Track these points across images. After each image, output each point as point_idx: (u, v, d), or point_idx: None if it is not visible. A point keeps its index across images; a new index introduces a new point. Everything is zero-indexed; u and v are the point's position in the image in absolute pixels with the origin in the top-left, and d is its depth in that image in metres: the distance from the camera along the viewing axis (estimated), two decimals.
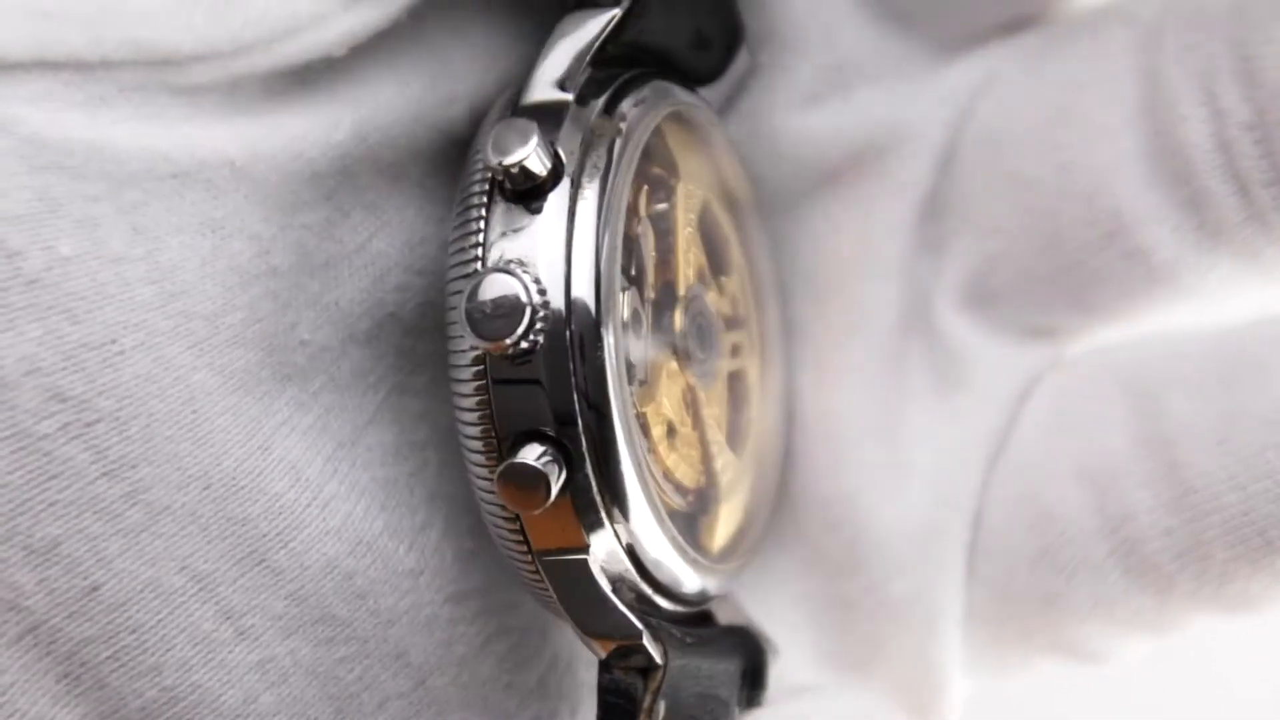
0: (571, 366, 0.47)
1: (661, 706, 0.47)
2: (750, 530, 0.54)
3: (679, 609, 0.50)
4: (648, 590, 0.48)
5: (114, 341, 0.47)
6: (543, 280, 0.47)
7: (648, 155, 0.51)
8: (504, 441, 0.47)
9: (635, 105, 0.50)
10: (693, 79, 0.54)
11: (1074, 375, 0.55)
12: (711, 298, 0.53)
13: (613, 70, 0.51)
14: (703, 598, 0.50)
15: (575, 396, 0.47)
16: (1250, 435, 0.51)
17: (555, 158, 0.48)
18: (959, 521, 0.54)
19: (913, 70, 0.57)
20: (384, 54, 0.52)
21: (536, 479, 0.46)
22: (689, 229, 0.52)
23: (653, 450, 0.50)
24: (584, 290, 0.47)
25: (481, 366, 0.48)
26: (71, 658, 0.48)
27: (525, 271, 0.47)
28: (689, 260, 0.52)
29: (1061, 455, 0.53)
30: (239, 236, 0.50)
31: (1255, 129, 0.51)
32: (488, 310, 0.46)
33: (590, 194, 0.48)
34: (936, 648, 0.54)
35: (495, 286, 0.47)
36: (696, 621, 0.51)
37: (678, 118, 0.52)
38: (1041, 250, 0.54)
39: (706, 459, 0.52)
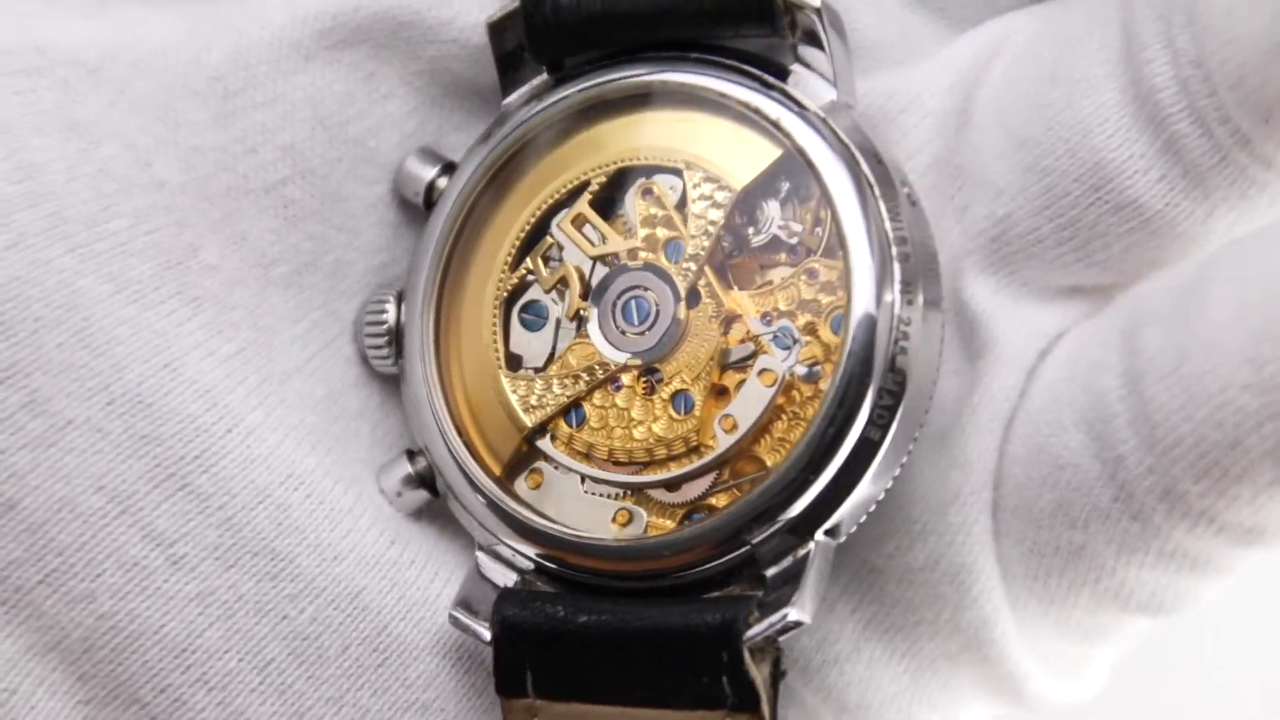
0: (407, 377, 0.54)
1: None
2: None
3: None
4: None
5: None
6: (405, 291, 0.55)
7: (538, 149, 0.54)
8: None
9: (530, 99, 0.54)
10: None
11: (1089, 324, 0.53)
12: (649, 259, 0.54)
13: (576, 65, 0.55)
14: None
15: (414, 409, 0.54)
16: (1194, 364, 0.48)
17: (446, 166, 0.55)
18: (974, 482, 0.52)
19: (933, 47, 0.56)
20: None
21: (397, 497, 0.54)
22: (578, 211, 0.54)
23: (554, 435, 0.53)
24: (417, 297, 0.54)
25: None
26: (3, 581, 0.50)
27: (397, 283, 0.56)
28: (593, 241, 0.54)
29: (1065, 403, 0.51)
30: (110, 142, 0.52)
31: (1201, 65, 0.49)
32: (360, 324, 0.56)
33: (450, 198, 0.54)
34: (973, 615, 0.53)
35: (369, 300, 0.56)
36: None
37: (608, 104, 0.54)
38: (1040, 210, 0.53)
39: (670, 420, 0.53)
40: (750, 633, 0.50)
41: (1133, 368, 0.49)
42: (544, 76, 0.56)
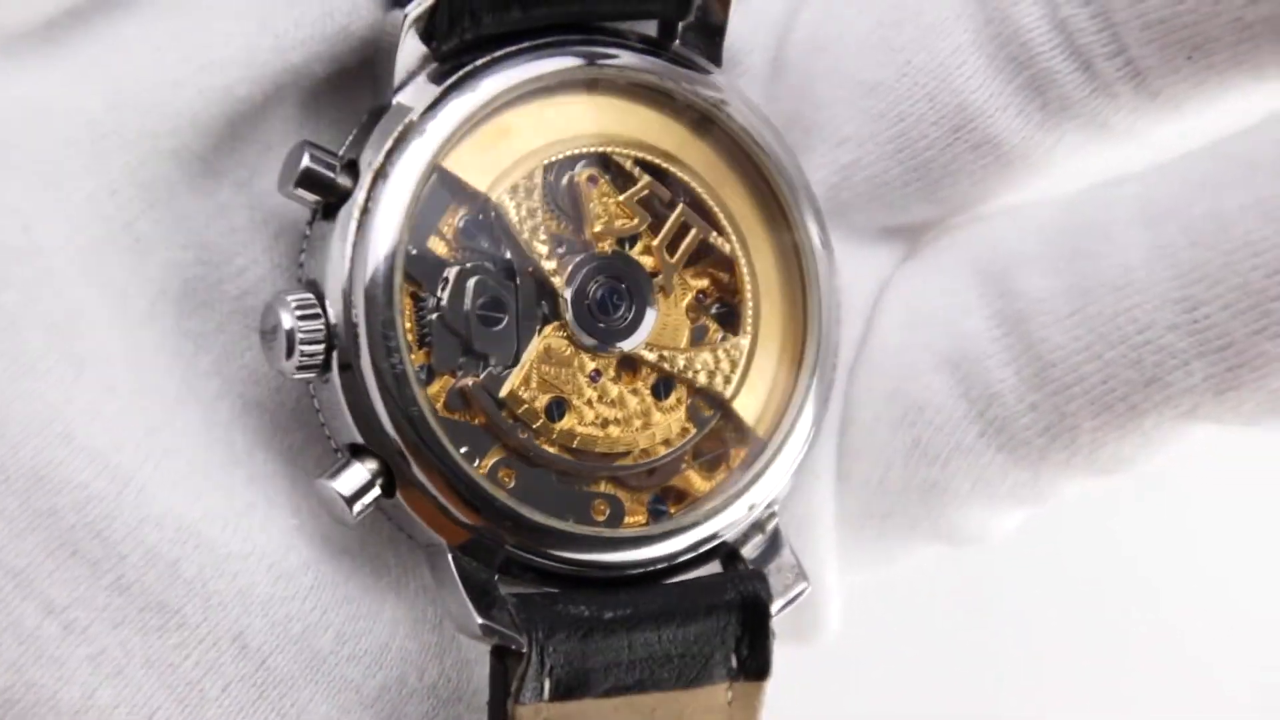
0: (359, 382, 0.50)
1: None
2: None
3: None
4: None
5: None
6: (327, 296, 0.51)
7: (459, 143, 0.52)
8: (340, 453, 0.52)
9: (445, 93, 0.52)
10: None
11: (923, 264, 0.57)
12: (638, 251, 0.54)
13: (471, 56, 0.52)
14: None
15: (376, 408, 0.50)
16: (1101, 304, 0.53)
17: (348, 169, 0.51)
18: (826, 431, 0.56)
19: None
20: (135, 13, 0.51)
21: (348, 505, 0.51)
22: (532, 205, 0.53)
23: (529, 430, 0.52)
24: (361, 301, 0.50)
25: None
26: None
27: (313, 289, 0.51)
28: (549, 233, 0.53)
29: (920, 346, 0.55)
30: None
31: (1091, 3, 0.53)
32: (268, 335, 0.51)
33: (387, 198, 0.51)
34: (811, 561, 0.56)
35: (269, 314, 0.51)
36: None
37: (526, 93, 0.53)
38: (892, 155, 0.56)
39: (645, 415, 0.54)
40: (776, 606, 0.53)
41: (1009, 309, 0.54)
42: (433, 69, 0.52)
